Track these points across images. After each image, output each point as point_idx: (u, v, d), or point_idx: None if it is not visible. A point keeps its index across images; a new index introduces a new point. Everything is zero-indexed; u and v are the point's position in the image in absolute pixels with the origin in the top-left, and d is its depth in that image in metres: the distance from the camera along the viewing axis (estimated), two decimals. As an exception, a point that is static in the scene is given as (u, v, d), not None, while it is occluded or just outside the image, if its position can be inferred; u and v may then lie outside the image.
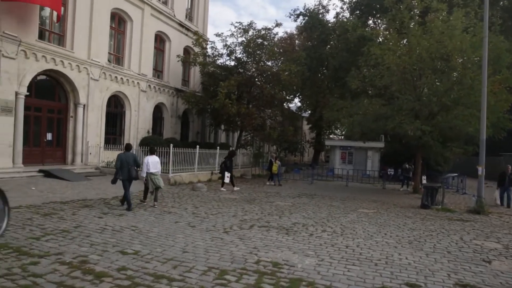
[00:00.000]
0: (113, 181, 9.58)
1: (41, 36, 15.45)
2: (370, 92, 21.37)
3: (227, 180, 15.11)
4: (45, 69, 15.24)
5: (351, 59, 22.32)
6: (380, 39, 20.59)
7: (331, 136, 42.96)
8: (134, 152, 16.07)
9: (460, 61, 15.45)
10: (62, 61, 15.82)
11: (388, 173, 24.68)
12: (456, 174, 21.16)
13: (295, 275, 5.11)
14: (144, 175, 10.08)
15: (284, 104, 28.31)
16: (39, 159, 15.76)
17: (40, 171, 14.37)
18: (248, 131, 24.46)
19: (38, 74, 15.27)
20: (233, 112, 19.82)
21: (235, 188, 15.24)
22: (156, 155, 10.76)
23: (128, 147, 10.05)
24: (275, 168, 18.63)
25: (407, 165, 20.02)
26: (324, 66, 30.07)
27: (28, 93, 14.59)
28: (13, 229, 6.61)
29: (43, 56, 14.99)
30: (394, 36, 16.63)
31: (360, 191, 17.82)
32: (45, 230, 6.71)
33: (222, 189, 14.96)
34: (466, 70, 14.69)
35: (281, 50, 24.02)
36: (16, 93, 14.08)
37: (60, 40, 16.41)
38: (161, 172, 14.99)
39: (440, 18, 16.15)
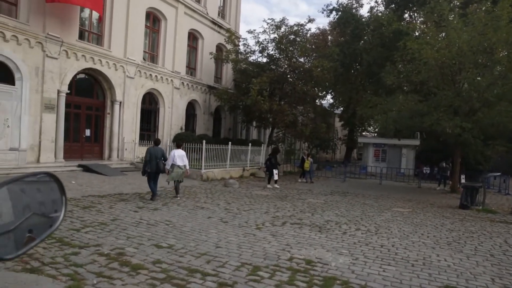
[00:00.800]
0: (143, 173, 10.21)
1: (81, 36, 16.02)
2: (405, 88, 20.71)
3: (276, 177, 15.25)
4: (84, 68, 15.81)
5: (386, 54, 21.70)
6: (417, 33, 19.88)
7: (363, 133, 42.07)
8: (168, 148, 16.51)
9: (505, 54, 14.63)
10: (100, 60, 16.34)
11: (424, 171, 23.86)
12: (498, 174, 20.12)
13: (328, 273, 5.01)
14: (169, 167, 10.30)
15: (317, 101, 27.98)
16: (79, 154, 16.39)
17: (79, 165, 14.95)
18: (279, 128, 24.35)
19: (78, 73, 15.86)
20: (265, 108, 19.78)
21: (276, 186, 15.21)
22: (182, 149, 11.08)
23: (157, 142, 10.71)
24: (307, 165, 18.45)
25: (444, 164, 19.25)
26: (357, 62, 29.44)
27: (69, 91, 15.19)
28: (55, 220, 6.88)
29: (82, 55, 15.54)
30: (432, 29, 15.99)
31: (394, 190, 17.32)
32: (84, 222, 6.95)
33: (269, 186, 15.05)
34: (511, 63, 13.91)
35: (313, 46, 23.70)
36: (58, 91, 14.69)
37: (99, 39, 16.96)
38: (194, 168, 15.53)
39: (483, 8, 15.35)
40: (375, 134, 41.73)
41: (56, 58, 14.42)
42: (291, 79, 22.85)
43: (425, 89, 17.30)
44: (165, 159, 10.23)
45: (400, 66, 18.46)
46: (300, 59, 22.86)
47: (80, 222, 6.93)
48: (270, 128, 24.59)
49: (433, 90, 16.18)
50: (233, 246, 6.07)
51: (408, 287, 4.66)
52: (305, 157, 19.08)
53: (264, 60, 23.33)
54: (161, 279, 4.44)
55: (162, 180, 10.98)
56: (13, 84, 13.26)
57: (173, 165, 10.29)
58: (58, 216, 0.76)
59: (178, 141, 11.68)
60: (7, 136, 13.12)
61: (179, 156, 10.43)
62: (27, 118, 13.64)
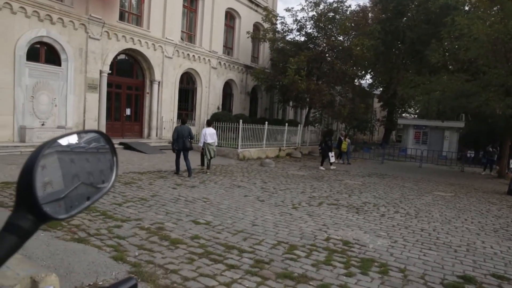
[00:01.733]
0: (173, 150, 10.62)
1: (121, 17, 16.32)
2: (451, 67, 19.63)
3: (332, 159, 15.26)
4: (124, 48, 16.16)
5: (431, 31, 20.57)
6: (467, 8, 18.61)
7: (403, 115, 40.58)
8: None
9: None
10: (139, 40, 16.63)
11: (468, 155, 22.75)
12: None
13: (366, 255, 4.93)
14: (201, 144, 11.03)
15: (355, 81, 27.17)
16: (119, 133, 16.98)
17: (120, 143, 15.50)
18: (317, 108, 23.95)
19: (119, 54, 16.25)
20: (302, 88, 19.46)
21: (332, 167, 15.11)
22: (213, 127, 11.64)
23: (184, 121, 11.08)
24: (344, 146, 18.10)
25: (491, 148, 18.24)
26: (399, 40, 28.17)
27: (110, 71, 15.64)
28: (99, 195, 7.20)
29: (123, 36, 15.87)
30: (485, 2, 14.87)
31: (435, 173, 16.69)
32: (126, 197, 7.22)
33: (321, 167, 15.01)
34: None
35: (353, 24, 22.84)
36: (100, 72, 15.17)
37: (138, 20, 17.21)
38: (231, 147, 15.70)
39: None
40: (416, 116, 40.16)
41: (98, 39, 14.82)
42: (329, 58, 22.26)
43: (474, 68, 16.31)
44: (192, 137, 10.64)
45: (446, 43, 17.44)
46: (339, 38, 22.15)
47: (122, 197, 7.21)
48: (307, 108, 24.26)
49: (483, 68, 15.20)
50: (270, 224, 6.10)
51: (451, 273, 4.50)
52: (342, 138, 18.72)
53: (302, 39, 22.82)
54: (199, 254, 4.55)
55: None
56: (60, 65, 13.81)
57: (204, 143, 10.92)
58: (110, 178, 0.76)
59: (209, 120, 12.16)
60: (55, 114, 13.78)
61: (209, 134, 11.03)
62: (72, 97, 14.23)
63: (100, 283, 3.61)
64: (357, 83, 28.72)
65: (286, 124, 19.75)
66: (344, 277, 4.18)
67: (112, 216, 5.86)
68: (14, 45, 12.19)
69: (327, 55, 22.30)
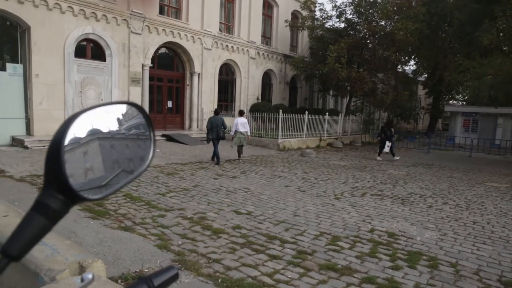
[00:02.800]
0: (207, 141, 11.25)
1: (161, 11, 16.62)
2: (505, 48, 18.27)
3: (387, 149, 14.88)
4: (165, 41, 16.48)
5: (483, 11, 19.20)
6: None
7: (450, 102, 38.50)
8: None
9: None
10: (179, 33, 16.88)
11: (525, 143, 21.22)
12: None
13: (413, 248, 4.72)
14: (233, 133, 11.51)
15: (398, 67, 26.09)
16: (162, 125, 17.44)
17: (162, 135, 15.91)
18: (358, 97, 23.29)
19: (159, 47, 16.60)
20: (342, 76, 18.96)
21: (395, 158, 14.76)
22: (244, 117, 11.98)
23: (217, 111, 11.51)
24: (387, 135, 17.48)
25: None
26: (446, 22, 26.56)
27: (151, 65, 16.04)
28: (144, 185, 7.43)
29: (163, 29, 16.18)
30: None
31: (487, 163, 15.73)
32: (169, 188, 7.40)
33: (379, 158, 14.70)
34: None
35: (395, 8, 21.86)
36: (142, 65, 15.59)
37: (177, 13, 17.47)
38: (271, 137, 15.67)
39: None
40: (464, 102, 38.01)
41: (139, 34, 15.22)
42: (370, 45, 21.47)
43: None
44: (225, 127, 11.12)
45: (500, 22, 16.23)
46: (380, 23, 21.29)
47: (165, 188, 7.39)
48: (348, 97, 23.63)
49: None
50: (311, 215, 6.01)
51: (510, 270, 4.20)
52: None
53: (342, 25, 22.16)
54: (241, 244, 4.56)
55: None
56: (104, 60, 14.34)
57: (236, 132, 11.38)
58: (147, 155, 0.74)
59: (241, 110, 12.66)
60: (101, 108, 14.35)
61: (241, 124, 11.44)
62: (117, 91, 14.75)
63: (145, 270, 3.71)
64: (400, 70, 27.57)
65: (327, 113, 19.40)
66: (390, 270, 4.03)
67: (156, 206, 6.02)
68: (63, 43, 12.78)
69: (368, 41, 21.52)
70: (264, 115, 16.68)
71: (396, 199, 7.55)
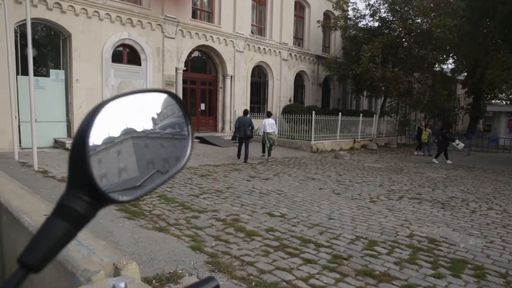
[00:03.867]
0: (233, 138, 12.01)
1: (194, 15, 16.88)
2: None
3: (461, 146, 14.83)
4: (197, 45, 16.72)
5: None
6: None
7: (493, 101, 36.62)
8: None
9: None
10: (211, 36, 17.07)
11: None
12: None
13: (457, 255, 4.47)
14: (261, 134, 12.15)
15: (436, 66, 25.13)
16: (195, 127, 17.67)
17: (196, 137, 16.12)
18: (393, 97, 22.61)
19: (192, 51, 16.85)
20: (377, 76, 18.47)
21: (448, 161, 14.31)
22: (272, 118, 12.49)
23: (246, 112, 12.14)
24: (424, 137, 16.87)
25: None
26: (488, 17, 25.34)
27: (185, 68, 16.30)
28: (177, 186, 7.53)
29: (196, 33, 16.42)
30: None
31: (535, 165, 14.80)
32: (202, 189, 7.44)
33: (435, 160, 14.37)
34: None
35: (432, 5, 21.06)
36: (176, 69, 15.88)
37: (209, 17, 17.68)
38: (304, 139, 15.53)
39: None
40: (509, 102, 36.05)
41: (173, 38, 15.51)
42: (406, 43, 20.78)
43: None
44: (252, 127, 11.65)
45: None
46: (417, 20, 20.59)
47: (199, 189, 7.44)
48: (383, 98, 23.01)
49: None
50: (347, 218, 5.85)
51: None
52: (422, 128, 17.47)
53: (376, 24, 21.61)
54: (274, 247, 4.49)
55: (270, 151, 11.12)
56: (140, 64, 14.73)
57: (264, 132, 11.98)
58: (184, 153, 0.68)
59: (269, 111, 13.41)
60: (137, 111, 14.76)
61: (269, 124, 12.01)
62: (152, 94, 15.09)
63: (179, 271, 3.71)
64: (437, 69, 26.56)
65: (361, 114, 18.97)
66: (432, 278, 3.82)
67: (190, 207, 6.06)
68: (101, 49, 13.24)
69: (403, 40, 20.85)
70: (296, 116, 16.53)
71: (436, 203, 7.22)
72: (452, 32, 19.32)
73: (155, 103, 0.66)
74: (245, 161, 11.48)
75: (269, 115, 12.69)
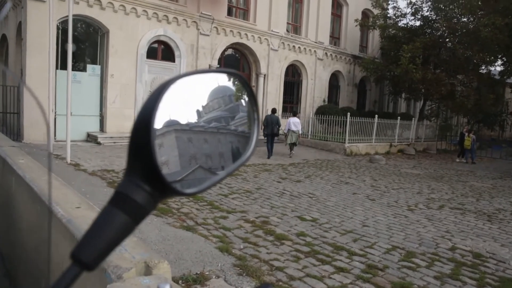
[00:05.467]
0: (264, 135, 12.27)
1: (229, 13, 16.98)
2: None
3: None
4: (232, 42, 16.80)
5: None
6: None
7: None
8: (310, 120, 16.64)
9: None
10: (246, 34, 17.11)
11: None
12: None
13: (507, 274, 4.20)
14: (286, 131, 12.93)
15: (482, 68, 24.02)
16: (227, 126, 17.75)
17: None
18: (433, 100, 21.84)
19: (226, 48, 16.96)
20: (417, 78, 17.86)
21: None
22: (297, 117, 13.44)
23: (274, 110, 13.02)
24: (467, 143, 16.16)
25: None
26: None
27: (218, 66, 16.43)
28: (207, 185, 7.56)
29: (230, 30, 16.51)
30: None
31: None
32: (231, 189, 7.43)
33: (458, 160, 15.15)
34: None
35: (479, 2, 20.15)
36: (209, 66, 16.01)
37: (245, 14, 17.73)
38: (337, 141, 15.30)
39: None
40: None
41: (208, 35, 15.66)
42: (450, 44, 20.02)
43: None
44: (279, 125, 12.52)
45: None
46: (462, 19, 19.78)
47: (228, 189, 7.44)
48: (422, 101, 22.30)
49: None
50: (382, 226, 5.66)
51: None
52: (465, 134, 16.75)
53: (417, 23, 20.95)
54: (305, 253, 4.40)
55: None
56: (174, 61, 14.98)
57: (288, 130, 12.72)
58: (245, 151, 0.63)
59: (294, 111, 14.28)
60: (169, 108, 15.04)
61: (293, 123, 12.69)
62: (185, 91, 15.33)
63: (206, 273, 3.69)
64: (484, 71, 25.40)
65: (398, 117, 18.46)
66: (478, 296, 3.60)
67: (219, 207, 6.05)
68: (137, 45, 13.57)
69: (447, 40, 20.09)
70: (330, 118, 16.29)
71: (481, 214, 6.86)
72: (502, 31, 18.38)
73: (221, 84, 0.64)
74: (269, 157, 12.21)
75: (294, 114, 13.67)
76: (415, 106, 26.90)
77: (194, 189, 0.53)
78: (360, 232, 5.28)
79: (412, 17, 20.97)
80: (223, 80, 0.65)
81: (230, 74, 0.64)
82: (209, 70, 0.62)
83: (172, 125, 0.59)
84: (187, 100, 0.59)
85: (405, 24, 21.31)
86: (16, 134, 11.54)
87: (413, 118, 20.16)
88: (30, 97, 11.06)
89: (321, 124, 17.29)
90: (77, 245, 0.44)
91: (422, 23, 20.64)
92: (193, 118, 0.62)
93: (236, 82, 0.66)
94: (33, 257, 2.50)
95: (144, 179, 0.45)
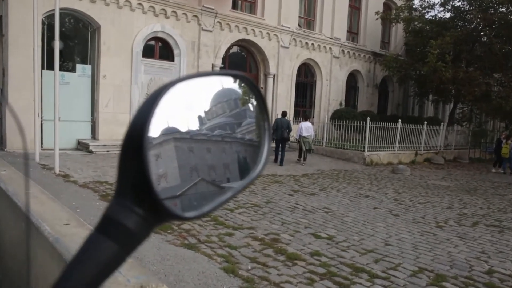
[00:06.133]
0: (272, 140, 12.81)
1: (234, 6, 17.12)
2: None
3: None
4: (237, 39, 16.92)
5: None
6: None
7: None
8: (325, 126, 16.64)
9: None
10: (253, 30, 17.22)
11: None
12: None
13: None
14: (297, 137, 13.40)
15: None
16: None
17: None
18: (466, 102, 21.72)
19: (231, 46, 17.07)
20: (446, 77, 17.77)
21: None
22: (309, 121, 13.86)
23: (284, 114, 13.41)
24: (505, 150, 16.01)
25: None
26: None
27: (222, 65, 16.54)
28: (210, 198, 7.59)
29: (236, 26, 16.63)
30: None
31: None
32: (238, 203, 7.44)
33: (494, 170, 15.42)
34: None
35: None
36: (213, 66, 16.14)
37: (251, 8, 17.87)
38: (355, 149, 15.27)
39: None
40: None
41: (210, 31, 15.80)
42: (485, 38, 19.95)
43: None
44: (290, 130, 12.79)
45: None
46: (500, 9, 19.65)
47: (234, 202, 7.44)
48: (453, 103, 22.18)
49: None
50: (407, 245, 5.64)
51: None
52: (503, 141, 16.60)
53: (447, 15, 20.95)
54: (320, 274, 4.39)
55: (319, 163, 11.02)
56: (173, 60, 15.12)
57: (300, 136, 13.12)
58: (229, 193, 0.60)
59: (306, 114, 14.87)
60: (167, 112, 15.14)
61: (305, 128, 13.10)
62: (185, 93, 15.44)
63: (210, 297, 3.70)
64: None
65: (425, 122, 18.37)
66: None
67: (223, 223, 6.07)
68: (132, 42, 13.72)
69: (481, 33, 20.04)
70: (347, 123, 16.27)
71: (522, 233, 6.80)
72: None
73: (226, 87, 0.65)
74: (281, 164, 12.53)
75: (306, 118, 13.96)
76: (444, 109, 26.78)
77: (194, 212, 0.52)
78: (382, 252, 5.27)
79: (441, 8, 21.01)
80: (228, 82, 0.66)
81: (235, 77, 0.64)
82: (212, 72, 0.62)
83: (171, 133, 0.60)
84: (187, 106, 0.60)
85: (433, 17, 21.35)
86: (-3, 141, 11.70)
87: (442, 123, 20.09)
88: (16, 100, 11.21)
89: (337, 130, 17.28)
90: (58, 279, 0.43)
91: (452, 15, 20.65)
92: (194, 125, 0.63)
93: (242, 85, 0.67)
94: (15, 282, 2.53)
95: (136, 200, 0.44)
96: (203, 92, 0.61)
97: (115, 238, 0.43)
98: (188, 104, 0.59)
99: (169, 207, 0.46)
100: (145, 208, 0.44)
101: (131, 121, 0.46)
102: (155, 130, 0.50)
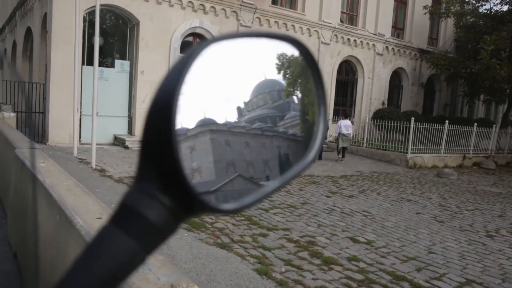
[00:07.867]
0: None
1: (274, 1, 17.11)
2: None
3: None
4: (277, 36, 16.89)
5: None
6: None
7: None
8: (366, 126, 16.58)
9: None
10: (293, 25, 17.16)
11: None
12: None
13: None
14: (336, 135, 13.91)
15: None
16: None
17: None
18: (522, 103, 20.85)
19: (270, 41, 17.06)
20: (501, 76, 17.05)
21: None
22: (349, 120, 14.38)
23: None
24: None
25: None
26: None
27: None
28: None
29: (275, 21, 16.64)
30: None
31: None
32: (273, 203, 7.44)
33: None
34: None
35: None
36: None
37: (292, 3, 17.80)
38: (397, 151, 14.96)
39: None
40: None
41: (249, 27, 15.86)
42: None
43: None
44: (327, 128, 12.77)
45: None
46: None
47: (269, 202, 7.44)
48: (507, 104, 21.30)
49: None
50: (453, 254, 5.47)
51: None
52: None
53: (504, 8, 20.05)
54: (358, 281, 4.33)
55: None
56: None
57: (339, 134, 13.56)
58: (271, 185, 0.55)
59: (346, 113, 15.47)
60: (203, 108, 15.38)
61: (344, 126, 13.54)
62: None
63: (242, 298, 3.70)
64: None
65: (475, 124, 17.74)
66: None
67: (258, 223, 6.07)
68: (170, 38, 13.99)
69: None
70: (390, 123, 15.92)
71: None
72: None
73: (265, 78, 0.59)
74: (319, 158, 12.78)
75: (345, 116, 14.49)
76: (497, 110, 25.88)
77: (233, 205, 0.46)
78: (425, 260, 5.14)
79: (498, 1, 20.13)
80: (275, 48, 0.56)
81: (287, 41, 0.54)
82: (257, 32, 0.52)
83: (206, 124, 0.57)
84: (224, 78, 0.55)
85: (487, 10, 20.55)
86: (40, 135, 12.22)
87: (494, 125, 19.36)
88: (57, 95, 11.69)
89: (378, 130, 16.94)
90: (62, 279, 0.37)
91: (510, 8, 19.79)
92: (232, 117, 0.60)
93: (294, 57, 0.57)
94: (49, 270, 2.61)
95: (161, 187, 0.37)
96: (244, 60, 0.54)
97: (132, 232, 0.36)
98: (226, 76, 0.53)
99: (202, 196, 0.40)
100: (172, 197, 0.37)
101: (157, 88, 0.40)
102: (189, 120, 0.47)
